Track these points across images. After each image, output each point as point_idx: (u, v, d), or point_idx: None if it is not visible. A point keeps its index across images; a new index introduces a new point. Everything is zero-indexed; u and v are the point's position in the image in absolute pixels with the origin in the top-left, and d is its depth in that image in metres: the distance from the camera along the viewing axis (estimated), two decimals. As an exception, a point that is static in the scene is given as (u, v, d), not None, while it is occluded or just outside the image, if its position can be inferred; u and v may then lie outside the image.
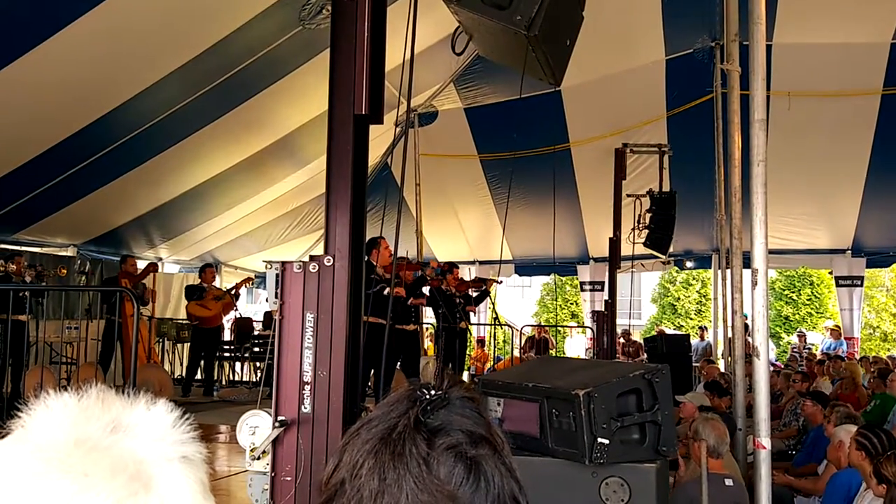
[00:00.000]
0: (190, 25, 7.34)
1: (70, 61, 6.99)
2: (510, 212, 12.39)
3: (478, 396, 0.89)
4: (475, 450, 0.82)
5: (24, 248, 10.42)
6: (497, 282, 11.02)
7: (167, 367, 12.05)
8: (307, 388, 3.30)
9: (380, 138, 11.13)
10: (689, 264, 15.60)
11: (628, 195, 11.60)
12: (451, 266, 10.63)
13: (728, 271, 7.85)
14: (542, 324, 21.96)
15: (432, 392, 0.86)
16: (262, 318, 13.59)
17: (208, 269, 11.46)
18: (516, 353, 14.61)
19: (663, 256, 12.66)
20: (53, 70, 7.00)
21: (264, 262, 3.57)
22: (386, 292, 7.11)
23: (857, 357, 13.76)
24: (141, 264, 10.69)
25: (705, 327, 16.90)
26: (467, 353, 12.47)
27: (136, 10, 6.75)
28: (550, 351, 14.97)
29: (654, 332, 19.68)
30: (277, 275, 3.38)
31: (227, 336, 12.56)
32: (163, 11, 6.94)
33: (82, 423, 0.66)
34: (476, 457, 0.82)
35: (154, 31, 7.12)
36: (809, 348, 16.09)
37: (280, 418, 3.29)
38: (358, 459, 0.82)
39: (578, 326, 20.34)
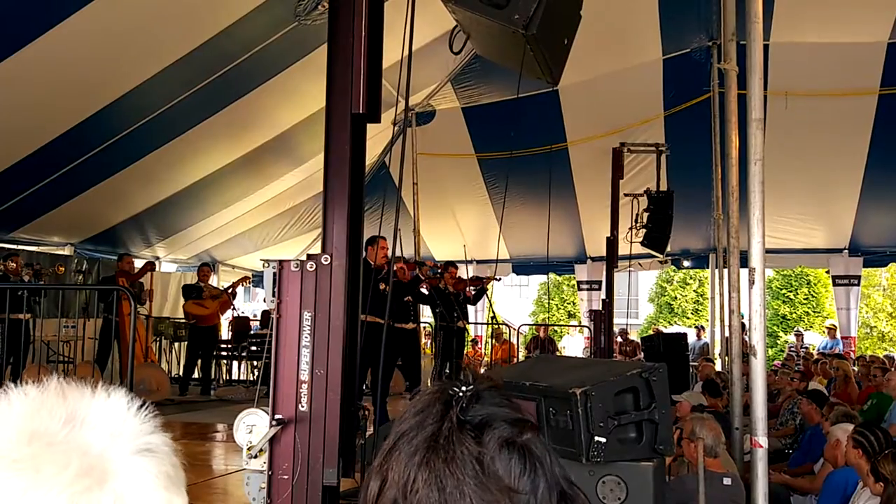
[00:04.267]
0: (184, 21, 7.32)
1: (63, 58, 6.98)
2: (508, 211, 12.37)
3: (501, 384, 0.87)
4: (522, 436, 0.81)
5: (20, 247, 10.41)
6: (495, 279, 11.02)
7: (164, 366, 12.04)
8: (304, 386, 3.30)
9: (377, 137, 11.14)
10: (686, 263, 15.63)
11: (626, 194, 11.61)
12: (449, 265, 10.62)
13: (725, 270, 7.86)
14: (540, 323, 21.97)
15: (464, 388, 0.83)
16: (259, 317, 13.59)
17: (204, 267, 11.46)
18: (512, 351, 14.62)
19: (661, 256, 12.67)
20: (47, 67, 6.99)
21: (262, 260, 3.57)
22: (382, 287, 7.12)
23: (854, 356, 13.78)
24: (138, 263, 10.68)
25: (702, 326, 16.92)
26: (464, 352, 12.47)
27: (130, 6, 6.74)
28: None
29: (650, 332, 19.70)
30: (275, 273, 3.38)
31: (224, 335, 12.55)
32: (157, 7, 6.93)
33: (39, 416, 0.64)
34: (526, 443, 0.80)
35: (148, 27, 7.10)
36: (806, 348, 16.11)
37: (277, 417, 3.29)
38: (409, 474, 0.79)
39: (576, 326, 20.36)
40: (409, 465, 0.79)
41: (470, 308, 12.16)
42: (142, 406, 0.69)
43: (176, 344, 12.39)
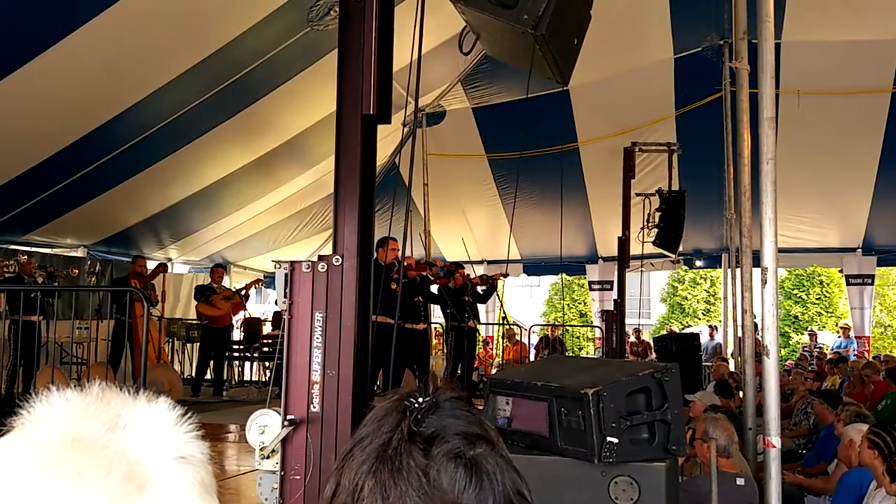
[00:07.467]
0: (198, 28, 7.37)
1: (80, 64, 7.02)
2: (519, 211, 12.35)
3: (465, 394, 0.88)
4: (473, 450, 0.81)
5: (34, 249, 10.48)
6: (503, 275, 11.02)
7: (177, 367, 12.09)
8: (316, 387, 3.31)
9: (388, 138, 11.15)
10: (698, 263, 15.57)
11: (637, 194, 11.58)
12: (457, 266, 10.65)
13: (738, 270, 7.82)
14: (551, 323, 21.93)
15: (420, 399, 0.84)
16: (271, 318, 13.64)
17: (217, 268, 11.51)
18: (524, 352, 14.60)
19: (673, 255, 12.63)
20: (64, 73, 7.03)
21: (273, 261, 3.58)
22: (393, 286, 7.14)
23: (869, 356, 13.69)
24: (151, 265, 10.74)
25: (715, 326, 16.85)
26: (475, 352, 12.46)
27: (146, 13, 6.78)
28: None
29: (663, 332, 19.64)
30: (286, 275, 3.39)
31: (236, 336, 12.59)
32: (171, 15, 6.97)
33: (81, 420, 0.65)
34: (475, 457, 0.81)
35: (163, 35, 7.15)
36: (820, 347, 16.02)
37: (289, 417, 3.30)
38: (357, 482, 0.80)
39: (588, 326, 20.31)
40: (359, 472, 0.81)
41: (480, 308, 12.15)
42: (183, 414, 0.69)
43: (188, 345, 12.44)
